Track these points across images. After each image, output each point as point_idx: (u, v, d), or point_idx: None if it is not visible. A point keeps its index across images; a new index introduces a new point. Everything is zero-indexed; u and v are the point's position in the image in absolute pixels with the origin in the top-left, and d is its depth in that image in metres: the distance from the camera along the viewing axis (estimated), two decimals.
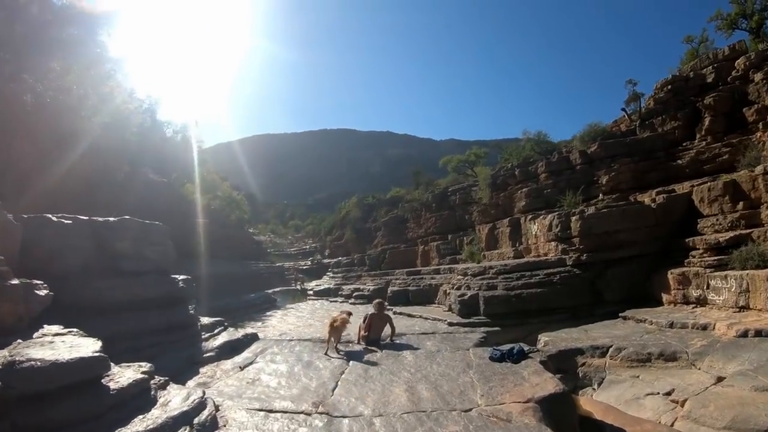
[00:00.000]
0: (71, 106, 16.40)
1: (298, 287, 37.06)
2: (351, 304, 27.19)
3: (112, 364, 5.61)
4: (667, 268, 14.18)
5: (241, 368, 8.26)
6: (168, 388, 5.78)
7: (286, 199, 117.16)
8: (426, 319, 18.17)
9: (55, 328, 5.87)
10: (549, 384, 6.54)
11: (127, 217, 9.52)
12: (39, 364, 4.40)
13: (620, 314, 13.65)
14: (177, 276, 10.12)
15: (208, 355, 8.81)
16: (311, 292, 34.63)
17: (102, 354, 5.02)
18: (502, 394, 6.32)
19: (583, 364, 10.57)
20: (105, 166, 18.50)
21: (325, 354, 8.81)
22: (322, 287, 34.84)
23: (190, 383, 7.30)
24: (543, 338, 12.15)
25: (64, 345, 5.13)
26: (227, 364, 8.53)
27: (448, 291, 19.27)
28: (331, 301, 30.07)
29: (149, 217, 10.43)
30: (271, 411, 5.87)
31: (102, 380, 5.01)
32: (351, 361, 8.30)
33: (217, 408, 5.69)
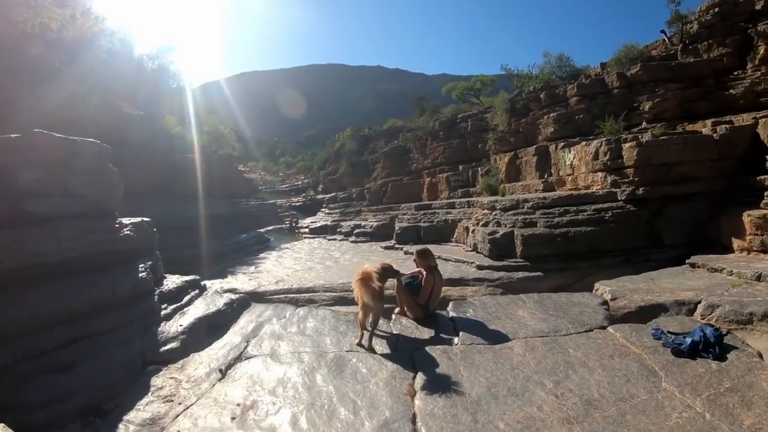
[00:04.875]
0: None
1: (290, 225, 33.43)
2: (352, 242, 24.26)
3: None
4: (736, 210, 11.37)
5: (223, 373, 4.65)
6: None
7: (277, 136, 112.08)
8: (447, 260, 14.85)
9: None
10: None
11: (37, 130, 5.71)
12: None
13: (687, 261, 10.66)
14: (123, 220, 6.36)
15: (169, 347, 5.09)
16: (306, 230, 31.13)
17: None
18: None
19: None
20: (69, 96, 14.93)
21: (359, 344, 5.17)
22: (318, 224, 31.23)
23: (126, 427, 3.70)
24: (602, 288, 8.87)
25: None
26: (200, 363, 4.90)
27: (471, 228, 16.00)
28: (329, 239, 26.79)
29: (124, 154, 6.70)
30: None
31: None
32: (416, 362, 4.67)
33: None
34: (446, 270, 13.29)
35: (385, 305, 5.38)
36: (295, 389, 4.22)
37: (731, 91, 15.92)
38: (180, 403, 4.09)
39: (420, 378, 4.27)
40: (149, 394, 4.26)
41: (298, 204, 43.37)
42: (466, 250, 16.08)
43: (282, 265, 17.54)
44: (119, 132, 17.16)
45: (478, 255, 14.65)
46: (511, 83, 27.58)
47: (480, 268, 13.30)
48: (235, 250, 20.66)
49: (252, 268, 16.85)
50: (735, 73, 16.58)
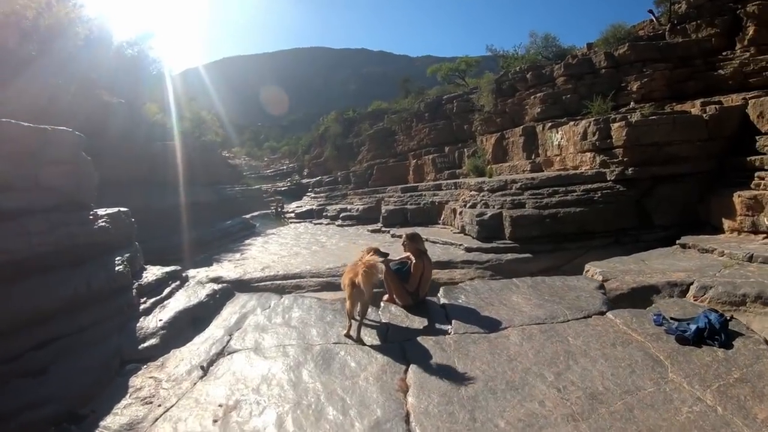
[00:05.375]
0: None
1: (276, 210, 32.81)
2: (338, 226, 24.06)
3: None
4: (726, 190, 11.23)
5: (204, 371, 4.41)
6: None
7: (261, 121, 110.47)
8: (435, 243, 14.70)
9: None
10: None
11: (5, 120, 5.35)
12: None
13: (678, 242, 10.55)
14: (99, 211, 6.03)
15: (148, 344, 4.84)
16: (292, 215, 30.81)
17: None
18: None
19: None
20: (47, 85, 14.50)
21: (347, 335, 4.94)
22: (303, 209, 30.96)
23: None
24: (593, 269, 8.71)
25: None
26: (181, 360, 4.66)
27: (459, 210, 15.85)
28: (315, 224, 26.54)
29: (105, 143, 6.33)
30: None
31: None
32: (407, 354, 4.42)
33: None
34: (434, 252, 13.12)
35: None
36: (281, 387, 3.99)
37: (720, 71, 15.71)
38: (160, 405, 3.86)
39: (412, 372, 4.04)
40: (127, 395, 4.02)
41: (283, 189, 42.97)
42: (454, 232, 15.95)
43: (268, 251, 17.30)
44: (99, 121, 16.61)
45: (466, 237, 14.51)
46: (496, 64, 27.15)
47: (468, 250, 13.18)
48: (220, 237, 20.31)
49: (237, 255, 16.60)
50: (724, 53, 16.37)
